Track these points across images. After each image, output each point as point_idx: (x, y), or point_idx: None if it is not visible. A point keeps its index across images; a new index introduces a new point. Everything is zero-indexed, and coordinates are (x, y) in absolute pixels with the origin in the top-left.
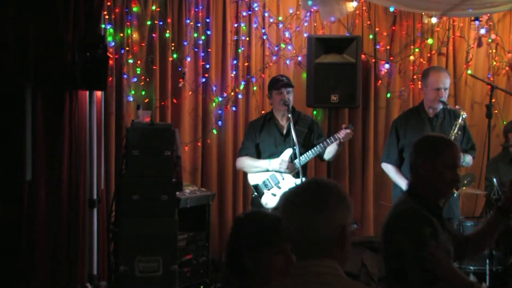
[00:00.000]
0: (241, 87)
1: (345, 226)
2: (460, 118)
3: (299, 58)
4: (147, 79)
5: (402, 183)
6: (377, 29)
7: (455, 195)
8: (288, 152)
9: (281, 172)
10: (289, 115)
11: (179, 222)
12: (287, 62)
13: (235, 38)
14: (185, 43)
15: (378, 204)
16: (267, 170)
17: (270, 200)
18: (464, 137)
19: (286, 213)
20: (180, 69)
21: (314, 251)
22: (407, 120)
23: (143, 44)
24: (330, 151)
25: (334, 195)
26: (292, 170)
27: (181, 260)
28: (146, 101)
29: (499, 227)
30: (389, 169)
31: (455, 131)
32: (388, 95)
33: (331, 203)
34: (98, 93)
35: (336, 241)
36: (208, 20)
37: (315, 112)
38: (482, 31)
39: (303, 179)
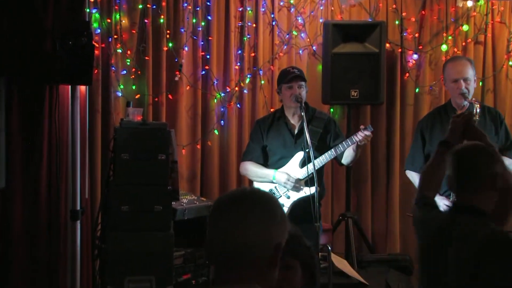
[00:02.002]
0: (247, 81)
1: (280, 243)
2: (474, 112)
3: (314, 48)
4: (139, 72)
5: None
6: (404, 14)
7: None
8: (299, 156)
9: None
10: (302, 113)
11: (175, 237)
12: (300, 52)
13: (239, 25)
14: (182, 30)
15: (405, 217)
16: (272, 182)
17: None
18: (500, 134)
19: (209, 223)
20: (176, 60)
21: (235, 271)
22: (434, 120)
23: (134, 32)
24: (347, 155)
25: (277, 207)
26: (299, 189)
27: (177, 281)
28: (137, 96)
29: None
30: (414, 177)
31: None
32: (417, 90)
33: (273, 216)
34: (82, 88)
35: (266, 260)
36: (208, 4)
37: (332, 110)
38: None
39: (316, 187)
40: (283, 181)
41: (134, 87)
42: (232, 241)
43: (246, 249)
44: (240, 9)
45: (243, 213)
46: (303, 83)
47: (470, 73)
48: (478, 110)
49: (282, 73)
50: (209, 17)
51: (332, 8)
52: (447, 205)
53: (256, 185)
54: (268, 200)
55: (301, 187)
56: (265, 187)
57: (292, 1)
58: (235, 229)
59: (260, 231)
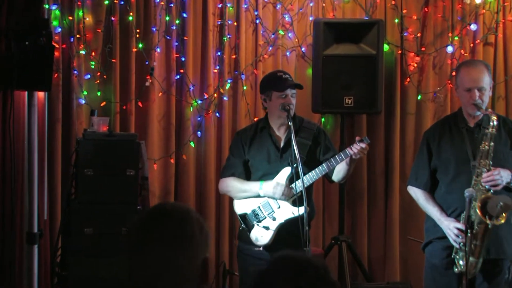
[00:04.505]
0: (227, 86)
1: (207, 257)
2: (491, 124)
3: (303, 49)
4: (104, 76)
5: (434, 213)
6: (404, 11)
7: (489, 226)
8: (285, 171)
9: (275, 199)
10: (290, 123)
11: None
12: (287, 54)
13: (219, 23)
14: (154, 29)
15: (406, 240)
16: (258, 196)
17: (261, 235)
18: None
19: (135, 253)
20: (147, 63)
21: None
22: (442, 131)
23: (99, 31)
24: (339, 171)
25: (194, 223)
26: (291, 196)
27: None
28: (102, 104)
29: None
30: (418, 194)
31: (486, 144)
32: (419, 97)
33: (194, 234)
34: (40, 95)
35: (196, 278)
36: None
37: (323, 119)
38: None
39: (305, 207)
40: (272, 188)
41: (99, 94)
42: (159, 274)
43: (174, 274)
44: (220, 6)
45: (158, 242)
46: (295, 90)
47: (486, 81)
48: (494, 123)
49: (271, 78)
50: (184, 15)
51: (324, 5)
52: (458, 229)
53: (238, 203)
54: (180, 220)
55: (295, 190)
56: (248, 206)
57: None
58: (156, 259)
59: (180, 255)
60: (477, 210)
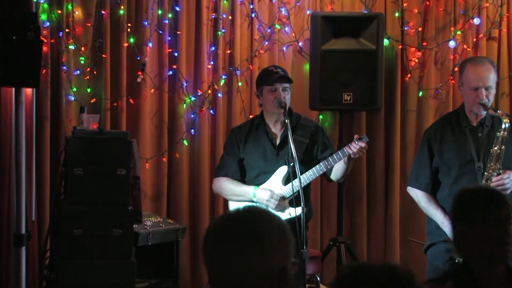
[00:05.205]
0: (222, 82)
1: (285, 266)
2: (503, 127)
3: (300, 44)
4: (94, 72)
5: (437, 216)
6: (405, 4)
7: None
8: (282, 171)
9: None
10: (286, 120)
11: (138, 265)
12: (284, 49)
13: (213, 17)
14: (146, 24)
15: (407, 241)
16: (252, 201)
17: None
18: None
19: (208, 248)
20: (138, 58)
21: None
22: (444, 129)
23: (89, 25)
24: (337, 170)
25: (273, 228)
26: (283, 209)
27: None
28: (92, 101)
29: None
30: (419, 196)
31: (496, 147)
32: (420, 93)
33: (271, 239)
34: (28, 91)
35: (274, 284)
36: None
37: (321, 117)
38: None
39: (303, 208)
40: (266, 199)
41: (89, 90)
42: (228, 274)
43: (242, 275)
44: None
45: (235, 244)
46: (288, 85)
47: (493, 79)
48: (506, 125)
49: (263, 73)
50: (177, 8)
51: None
52: None
53: (232, 204)
54: (257, 222)
55: (287, 207)
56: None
57: None
58: (229, 262)
59: (251, 256)
60: None
